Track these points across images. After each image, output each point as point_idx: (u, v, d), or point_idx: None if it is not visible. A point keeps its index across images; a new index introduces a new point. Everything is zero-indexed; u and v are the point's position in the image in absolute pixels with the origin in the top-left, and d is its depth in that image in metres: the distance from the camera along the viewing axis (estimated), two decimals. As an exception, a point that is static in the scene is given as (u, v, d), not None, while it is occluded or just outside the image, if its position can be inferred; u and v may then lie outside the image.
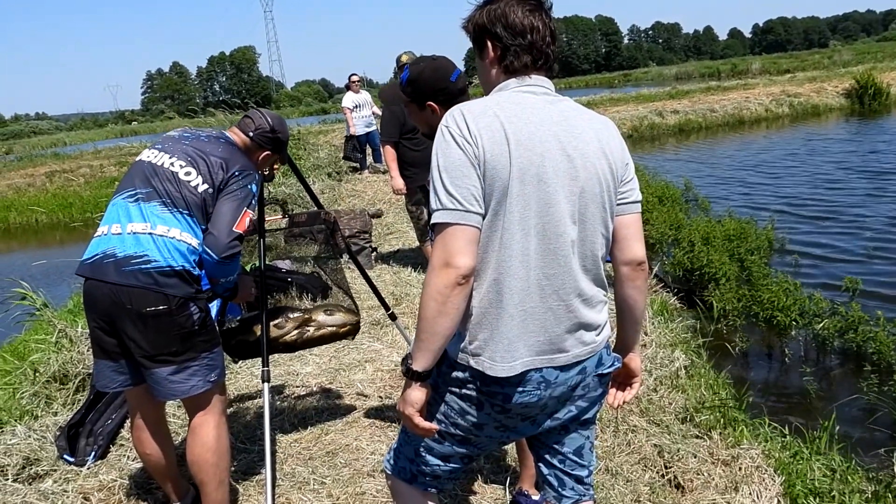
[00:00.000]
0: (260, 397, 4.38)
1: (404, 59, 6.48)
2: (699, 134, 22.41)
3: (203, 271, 2.84)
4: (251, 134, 3.13)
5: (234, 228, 2.78)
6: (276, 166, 3.45)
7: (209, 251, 2.75)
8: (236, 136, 3.13)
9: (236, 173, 2.87)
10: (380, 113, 14.34)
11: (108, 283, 2.68)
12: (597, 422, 3.84)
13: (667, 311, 6.16)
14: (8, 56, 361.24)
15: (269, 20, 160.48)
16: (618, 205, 2.02)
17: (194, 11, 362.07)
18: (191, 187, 2.80)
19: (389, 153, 6.43)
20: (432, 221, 1.84)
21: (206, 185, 2.82)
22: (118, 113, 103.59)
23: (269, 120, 3.18)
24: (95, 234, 2.82)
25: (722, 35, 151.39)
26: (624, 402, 2.32)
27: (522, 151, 1.84)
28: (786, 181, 13.05)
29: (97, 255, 2.74)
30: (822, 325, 5.86)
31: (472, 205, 1.81)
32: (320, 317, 3.63)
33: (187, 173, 2.82)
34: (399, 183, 6.42)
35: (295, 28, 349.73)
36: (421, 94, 2.64)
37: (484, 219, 1.84)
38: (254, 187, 2.93)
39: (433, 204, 1.85)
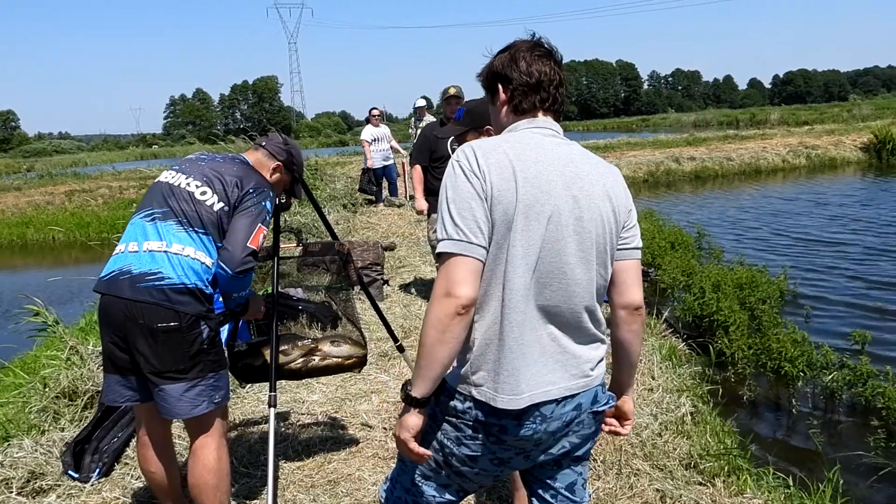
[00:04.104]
0: (264, 423, 4.40)
1: (452, 91, 6.98)
2: (715, 182, 22.45)
3: (215, 291, 2.90)
4: (263, 143, 3.25)
5: (248, 244, 2.85)
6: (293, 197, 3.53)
7: (224, 266, 2.82)
8: (251, 154, 3.23)
9: (251, 190, 2.94)
10: (398, 147, 14.60)
11: (123, 298, 2.74)
12: (600, 464, 3.87)
13: (675, 356, 6.15)
14: (34, 75, 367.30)
15: (292, 51, 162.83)
16: (619, 249, 2.07)
17: (220, 40, 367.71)
18: (207, 206, 2.87)
19: (417, 174, 6.84)
20: (437, 251, 1.90)
21: (221, 204, 2.89)
22: (140, 136, 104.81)
23: (282, 135, 3.34)
24: (114, 253, 2.88)
25: (742, 84, 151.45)
26: (616, 434, 2.33)
27: (529, 188, 1.90)
28: (800, 232, 13.04)
29: (114, 272, 2.80)
30: (830, 377, 5.83)
31: (476, 237, 1.86)
32: (326, 347, 3.67)
33: (203, 192, 2.90)
34: (422, 204, 6.78)
35: (318, 60, 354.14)
36: (479, 119, 3.04)
37: (488, 252, 1.89)
38: (268, 204, 3.00)
39: (439, 233, 1.91)
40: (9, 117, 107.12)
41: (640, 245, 2.14)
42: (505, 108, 2.12)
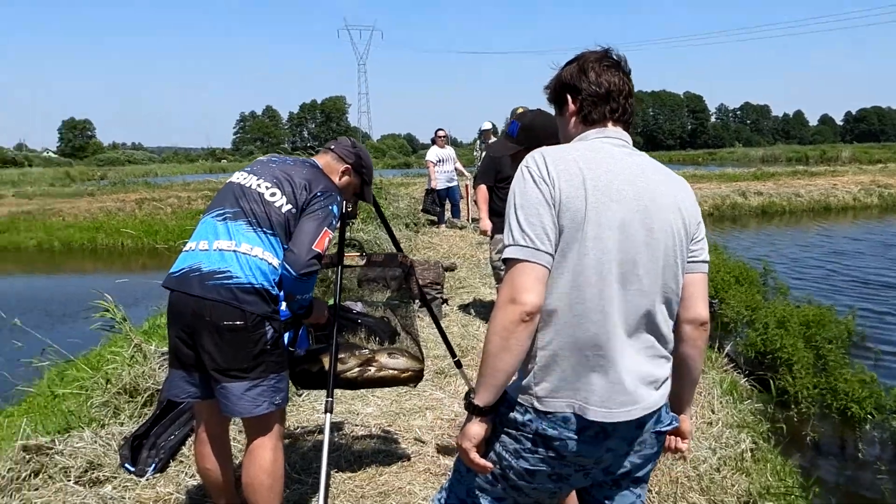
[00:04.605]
0: (319, 433, 4.42)
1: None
2: (782, 218, 21.96)
3: (281, 292, 2.93)
4: (332, 147, 3.29)
5: (313, 247, 2.87)
6: (358, 204, 3.55)
7: (289, 268, 2.84)
8: (320, 158, 3.27)
9: (318, 194, 2.97)
10: (463, 170, 14.62)
11: (192, 295, 2.79)
12: (655, 495, 3.78)
13: (736, 391, 5.99)
14: (111, 87, 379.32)
15: (361, 73, 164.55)
16: (687, 262, 2.02)
17: (292, 60, 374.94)
18: (276, 207, 2.91)
19: (482, 193, 6.80)
20: (503, 256, 1.89)
21: (289, 206, 2.93)
22: (209, 150, 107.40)
23: (352, 139, 3.37)
24: (184, 250, 2.94)
25: (812, 120, 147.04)
26: (676, 452, 2.27)
27: (599, 196, 1.87)
28: (873, 274, 12.65)
29: (184, 268, 2.86)
30: (900, 422, 5.62)
31: (543, 244, 1.84)
32: (383, 358, 3.67)
33: (273, 194, 2.94)
34: (487, 224, 6.75)
35: (386, 82, 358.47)
36: (535, 138, 2.83)
37: (554, 259, 1.87)
38: (335, 209, 3.02)
39: (506, 239, 1.89)
40: (85, 126, 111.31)
41: (708, 259, 2.09)
42: (574, 119, 2.11)
